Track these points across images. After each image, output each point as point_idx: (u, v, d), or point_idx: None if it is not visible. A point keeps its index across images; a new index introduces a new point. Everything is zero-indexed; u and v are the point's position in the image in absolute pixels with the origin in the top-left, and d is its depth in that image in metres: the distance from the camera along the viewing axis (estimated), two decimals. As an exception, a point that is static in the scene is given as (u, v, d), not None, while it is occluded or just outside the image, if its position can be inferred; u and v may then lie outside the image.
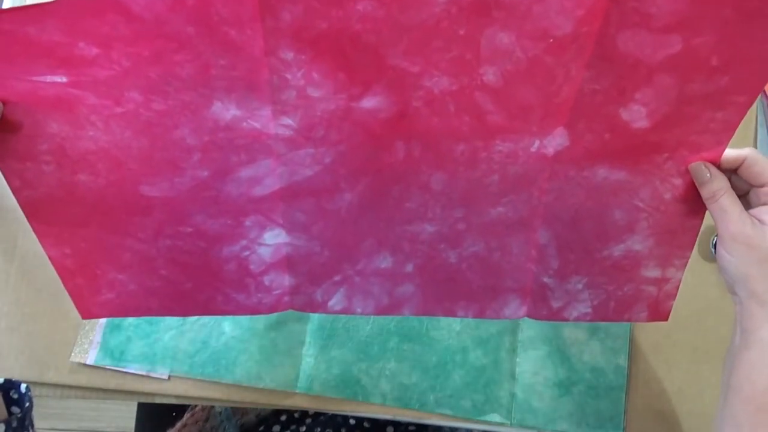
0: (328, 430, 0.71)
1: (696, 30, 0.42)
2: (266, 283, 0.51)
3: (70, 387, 0.57)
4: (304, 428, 0.73)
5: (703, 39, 0.42)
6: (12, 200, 0.58)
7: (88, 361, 0.55)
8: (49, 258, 0.47)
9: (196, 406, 0.80)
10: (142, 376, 0.56)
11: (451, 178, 0.48)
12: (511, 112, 0.45)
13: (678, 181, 0.48)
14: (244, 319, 0.58)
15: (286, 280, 0.51)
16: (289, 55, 0.42)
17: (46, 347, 0.56)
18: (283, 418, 0.75)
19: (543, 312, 0.53)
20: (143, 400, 0.58)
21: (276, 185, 0.48)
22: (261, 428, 0.75)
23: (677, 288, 0.51)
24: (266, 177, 0.47)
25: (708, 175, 0.46)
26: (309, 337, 0.59)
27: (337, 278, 0.51)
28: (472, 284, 0.52)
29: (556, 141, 0.47)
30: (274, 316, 0.59)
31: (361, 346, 0.59)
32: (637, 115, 0.45)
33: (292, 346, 0.59)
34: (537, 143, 0.47)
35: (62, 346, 0.56)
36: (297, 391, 0.58)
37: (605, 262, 0.51)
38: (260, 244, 0.50)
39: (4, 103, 0.41)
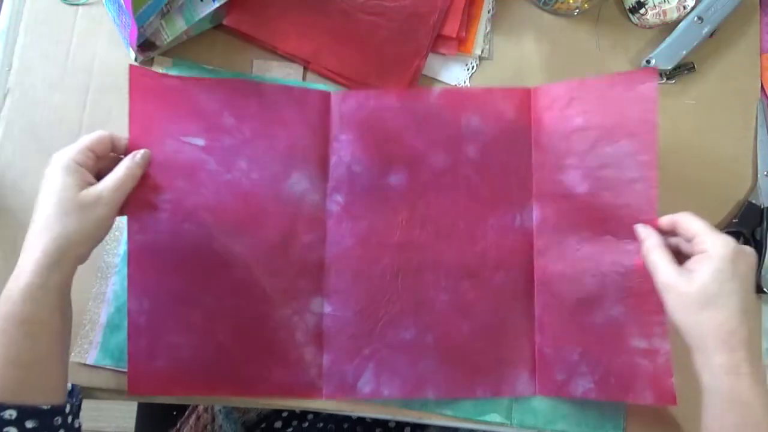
0: (330, 425, 0.71)
1: (585, 106, 0.57)
2: (306, 357, 0.57)
3: (70, 387, 0.57)
4: (306, 424, 0.73)
5: (590, 111, 0.56)
6: (12, 201, 0.58)
7: (88, 361, 0.55)
8: (129, 311, 0.54)
9: (197, 405, 0.80)
10: (143, 376, 0.56)
11: (457, 252, 0.58)
12: (493, 186, 0.59)
13: (630, 246, 0.54)
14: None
15: (321, 358, 0.57)
16: (343, 137, 0.59)
17: (46, 347, 0.56)
18: (285, 414, 0.75)
19: (550, 386, 0.57)
20: (143, 400, 0.58)
21: (324, 254, 0.58)
22: (263, 425, 0.75)
23: (670, 362, 0.54)
24: (318, 246, 0.58)
25: (643, 234, 0.52)
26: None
27: (366, 351, 0.57)
28: (485, 355, 0.58)
29: (532, 215, 0.59)
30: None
31: None
32: (574, 180, 0.57)
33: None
34: (518, 218, 0.59)
35: (62, 346, 0.56)
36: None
37: (593, 330, 0.56)
38: (308, 311, 0.57)
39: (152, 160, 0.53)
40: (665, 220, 0.53)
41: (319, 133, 0.59)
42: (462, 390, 0.57)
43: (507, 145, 0.59)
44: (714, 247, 0.47)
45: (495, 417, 0.58)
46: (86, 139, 0.50)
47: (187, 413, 0.81)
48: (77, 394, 0.50)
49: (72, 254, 0.46)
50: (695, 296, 0.47)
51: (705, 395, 0.47)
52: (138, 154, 0.52)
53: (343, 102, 0.59)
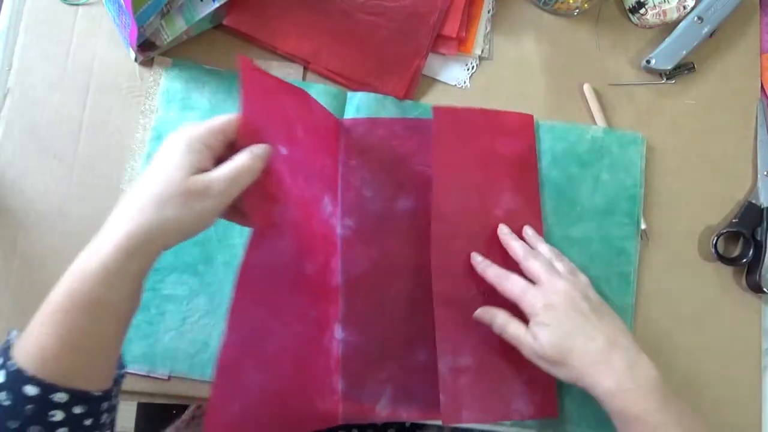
0: None
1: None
2: (333, 383, 0.55)
3: (71, 387, 0.56)
4: None
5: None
6: (12, 201, 0.58)
7: (89, 362, 0.55)
8: (224, 347, 0.45)
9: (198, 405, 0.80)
10: (143, 376, 0.56)
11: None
12: (505, 208, 0.60)
13: None
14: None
15: (340, 384, 0.55)
16: (353, 163, 0.59)
17: (46, 347, 0.56)
18: None
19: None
20: (143, 400, 0.58)
21: (339, 279, 0.56)
22: None
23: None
24: (335, 270, 0.56)
25: (488, 316, 0.55)
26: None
27: (382, 375, 0.56)
28: (500, 378, 0.57)
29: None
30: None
31: None
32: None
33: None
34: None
35: (62, 346, 0.56)
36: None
37: None
38: (334, 338, 0.56)
39: None
40: (490, 276, 0.55)
41: (333, 158, 0.59)
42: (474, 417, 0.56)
43: (515, 169, 0.61)
44: (531, 309, 0.51)
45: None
46: (219, 120, 0.44)
47: (191, 409, 0.81)
48: (122, 366, 0.46)
49: (160, 243, 0.41)
50: (553, 355, 0.50)
51: (612, 419, 0.49)
52: (260, 147, 0.45)
53: (352, 129, 0.60)
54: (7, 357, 0.38)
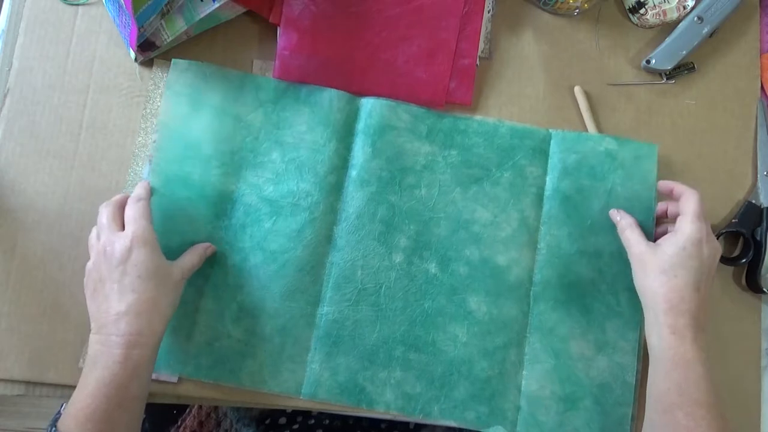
0: (336, 422, 0.71)
1: None
2: None
3: (70, 387, 0.56)
4: (312, 421, 0.73)
5: None
6: (12, 201, 0.58)
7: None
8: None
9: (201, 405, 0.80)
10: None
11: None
12: None
13: None
14: (250, 324, 0.58)
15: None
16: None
17: (46, 347, 0.56)
18: (289, 410, 0.75)
19: None
20: (146, 400, 0.58)
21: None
22: (267, 421, 0.75)
23: None
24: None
25: (617, 216, 0.59)
26: (315, 343, 0.58)
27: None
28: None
29: None
30: (280, 321, 0.58)
31: (366, 354, 0.58)
32: None
33: (297, 352, 0.58)
34: None
35: (62, 346, 0.56)
36: (301, 397, 0.57)
37: None
38: None
39: None
40: (667, 185, 0.58)
41: None
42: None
43: None
44: (686, 229, 0.52)
45: (499, 429, 0.57)
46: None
47: (193, 410, 0.81)
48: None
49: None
50: (656, 264, 0.52)
51: (652, 357, 0.52)
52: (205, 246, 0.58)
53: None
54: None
